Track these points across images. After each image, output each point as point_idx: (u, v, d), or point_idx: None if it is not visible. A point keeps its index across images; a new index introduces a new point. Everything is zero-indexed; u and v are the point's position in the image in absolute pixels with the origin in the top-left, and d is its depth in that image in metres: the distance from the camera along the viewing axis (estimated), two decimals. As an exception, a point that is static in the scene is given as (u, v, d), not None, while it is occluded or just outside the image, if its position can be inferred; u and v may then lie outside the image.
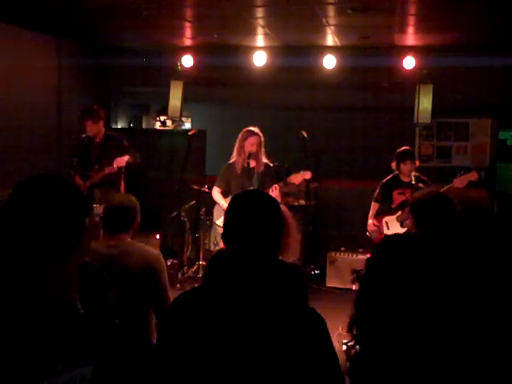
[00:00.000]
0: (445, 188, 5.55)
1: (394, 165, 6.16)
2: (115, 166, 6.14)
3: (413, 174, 5.98)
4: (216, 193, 6.18)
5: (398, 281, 1.74)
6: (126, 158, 6.15)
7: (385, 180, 6.13)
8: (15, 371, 1.36)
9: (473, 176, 5.52)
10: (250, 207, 1.93)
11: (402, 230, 5.67)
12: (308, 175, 5.87)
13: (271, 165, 6.10)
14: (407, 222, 5.71)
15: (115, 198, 3.60)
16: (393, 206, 6.01)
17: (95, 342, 1.42)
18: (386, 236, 2.01)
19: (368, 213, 6.12)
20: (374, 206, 6.14)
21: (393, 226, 5.93)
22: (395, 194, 6.00)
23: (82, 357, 1.39)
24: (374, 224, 6.04)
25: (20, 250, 1.43)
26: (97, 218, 3.58)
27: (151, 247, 3.49)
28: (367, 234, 6.12)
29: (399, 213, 5.91)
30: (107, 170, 6.16)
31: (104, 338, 1.44)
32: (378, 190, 6.10)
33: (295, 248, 2.98)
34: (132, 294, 3.14)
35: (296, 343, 1.77)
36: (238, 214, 1.93)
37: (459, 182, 5.52)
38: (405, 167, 5.94)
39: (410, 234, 2.02)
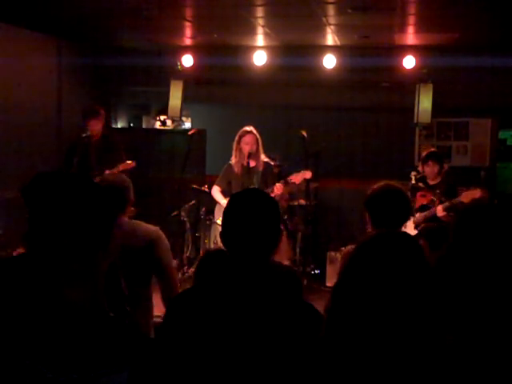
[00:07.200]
0: (450, 202, 5.51)
1: (421, 167, 6.19)
2: None
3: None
4: (216, 191, 6.16)
5: (378, 277, 1.67)
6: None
7: (414, 181, 6.16)
8: (49, 376, 1.34)
9: (477, 194, 5.40)
10: (249, 206, 1.91)
11: (414, 232, 5.60)
12: (308, 175, 5.86)
13: (272, 163, 6.08)
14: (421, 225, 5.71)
15: (106, 178, 3.56)
16: (415, 207, 5.92)
17: (128, 348, 1.39)
18: (375, 233, 1.93)
19: None
20: None
21: (409, 228, 5.75)
22: (418, 195, 5.98)
23: (116, 363, 1.37)
24: None
25: (50, 250, 1.40)
26: None
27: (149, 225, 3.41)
28: None
29: (417, 215, 5.82)
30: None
31: (136, 344, 1.41)
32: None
33: (287, 251, 2.93)
34: (135, 271, 3.14)
35: (291, 336, 1.77)
36: (237, 213, 1.91)
37: (465, 198, 5.44)
38: (426, 169, 6.01)
39: (398, 232, 1.91)
